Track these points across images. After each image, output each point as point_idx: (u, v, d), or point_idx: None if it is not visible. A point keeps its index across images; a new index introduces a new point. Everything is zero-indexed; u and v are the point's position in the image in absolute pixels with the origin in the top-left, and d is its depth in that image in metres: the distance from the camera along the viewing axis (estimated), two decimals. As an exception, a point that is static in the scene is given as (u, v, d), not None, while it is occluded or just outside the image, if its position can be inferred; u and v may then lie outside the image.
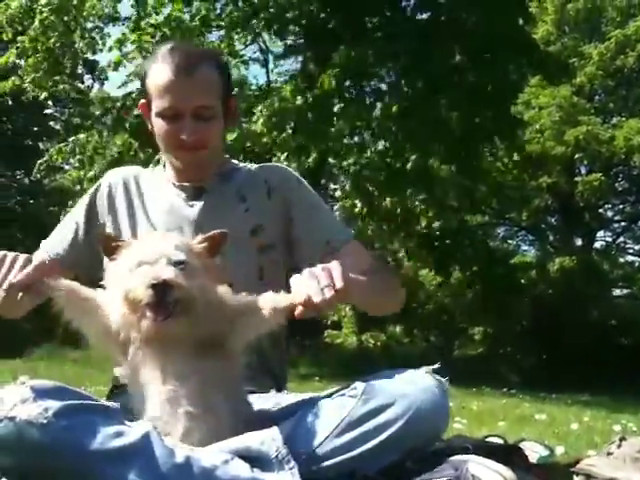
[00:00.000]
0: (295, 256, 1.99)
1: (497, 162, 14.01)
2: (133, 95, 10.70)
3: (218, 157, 2.04)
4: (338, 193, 10.94)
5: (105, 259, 1.70)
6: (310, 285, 1.45)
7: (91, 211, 2.04)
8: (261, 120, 9.89)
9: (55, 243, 2.04)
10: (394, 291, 1.99)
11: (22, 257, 1.60)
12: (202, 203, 1.96)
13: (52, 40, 10.66)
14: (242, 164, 2.12)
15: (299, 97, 10.09)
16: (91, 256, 1.93)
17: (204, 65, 1.87)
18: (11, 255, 1.60)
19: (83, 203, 2.07)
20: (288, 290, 1.52)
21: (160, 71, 1.85)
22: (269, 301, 1.53)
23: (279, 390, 1.95)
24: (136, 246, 1.54)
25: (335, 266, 1.50)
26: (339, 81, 10.39)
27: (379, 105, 11.18)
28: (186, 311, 1.47)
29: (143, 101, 1.98)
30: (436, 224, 13.52)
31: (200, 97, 1.85)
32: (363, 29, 10.97)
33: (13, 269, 1.57)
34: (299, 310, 1.47)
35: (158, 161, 2.19)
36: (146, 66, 1.94)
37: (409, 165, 10.86)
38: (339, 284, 1.46)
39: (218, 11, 11.21)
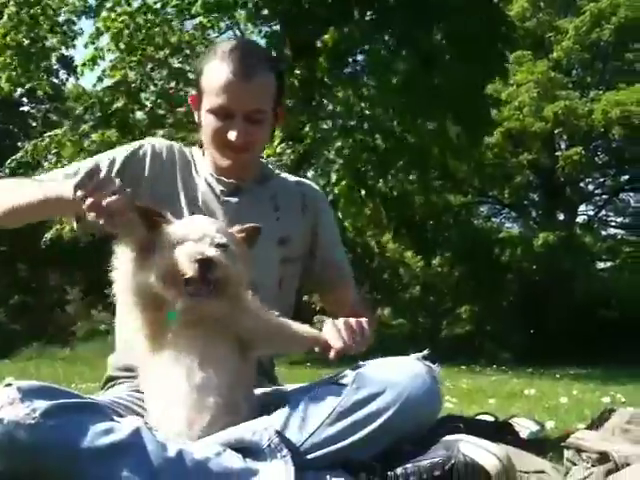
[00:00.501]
0: (307, 272, 2.06)
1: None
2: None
3: (258, 160, 2.06)
4: (333, 177, 10.79)
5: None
6: (346, 335, 1.62)
7: (130, 160, 1.93)
8: None
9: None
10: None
11: (117, 181, 1.49)
12: (237, 200, 1.95)
13: (21, 35, 10.49)
14: (277, 171, 2.16)
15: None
16: None
17: (263, 70, 1.87)
18: (105, 174, 1.52)
19: (122, 150, 1.97)
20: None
21: (218, 70, 1.84)
22: (308, 335, 1.66)
23: (270, 382, 1.95)
24: (180, 224, 1.57)
25: (365, 324, 1.67)
26: (330, 63, 10.38)
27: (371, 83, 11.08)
28: (222, 292, 1.51)
29: (194, 93, 1.97)
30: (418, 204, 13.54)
31: (255, 101, 1.86)
32: (348, 12, 10.92)
33: (106, 188, 1.47)
34: (332, 354, 1.61)
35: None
36: (202, 62, 1.93)
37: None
38: (368, 342, 1.64)
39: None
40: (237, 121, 1.84)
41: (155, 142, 2.01)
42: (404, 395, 1.55)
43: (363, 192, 11.33)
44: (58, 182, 1.74)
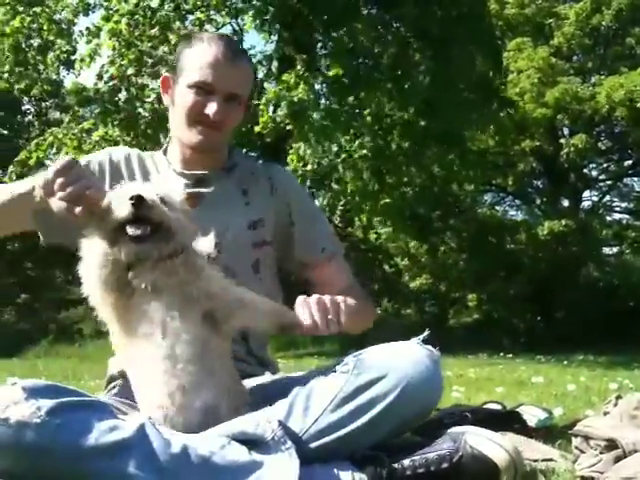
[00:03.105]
0: (289, 256, 2.05)
1: (478, 130, 13.97)
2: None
3: (224, 148, 2.07)
4: (349, 174, 10.80)
5: None
6: (318, 313, 1.60)
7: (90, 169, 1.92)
8: (284, 111, 9.81)
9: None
10: (370, 317, 2.08)
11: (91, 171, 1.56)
12: (204, 191, 1.96)
13: (17, 24, 10.46)
14: (243, 157, 2.17)
15: (301, 85, 9.93)
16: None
17: (245, 59, 1.99)
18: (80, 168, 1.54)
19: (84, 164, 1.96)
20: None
21: (207, 49, 1.90)
22: (276, 311, 1.64)
23: (263, 365, 1.96)
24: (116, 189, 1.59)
25: (342, 304, 1.64)
26: (346, 64, 10.37)
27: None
28: (165, 237, 1.53)
29: (167, 75, 2.02)
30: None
31: (236, 84, 1.93)
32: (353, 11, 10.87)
33: (77, 180, 1.50)
34: (301, 331, 1.60)
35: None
36: (184, 45, 1.99)
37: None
38: (343, 321, 1.61)
39: None
40: (217, 98, 1.89)
41: (113, 151, 2.04)
42: (406, 379, 1.55)
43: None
44: (16, 184, 1.76)
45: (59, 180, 1.50)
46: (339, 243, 2.16)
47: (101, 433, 1.39)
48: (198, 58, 1.90)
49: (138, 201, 1.49)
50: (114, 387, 1.89)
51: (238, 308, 1.60)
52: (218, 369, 1.57)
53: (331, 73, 10.36)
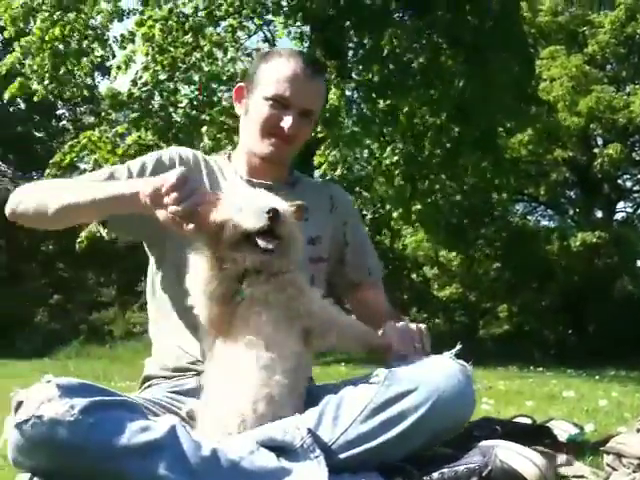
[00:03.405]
0: (339, 273, 2.11)
1: (511, 138, 13.86)
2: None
3: (290, 162, 2.11)
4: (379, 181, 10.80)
5: None
6: (405, 340, 1.71)
7: (160, 165, 1.95)
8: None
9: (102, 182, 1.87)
10: None
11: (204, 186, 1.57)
12: None
13: (57, 32, 10.64)
14: (301, 174, 2.21)
15: (332, 90, 9.95)
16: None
17: (322, 77, 2.04)
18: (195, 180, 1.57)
19: (152, 156, 1.99)
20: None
21: (286, 64, 1.94)
22: (366, 334, 1.72)
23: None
24: (239, 193, 1.63)
25: (425, 332, 1.75)
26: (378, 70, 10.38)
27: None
28: (287, 252, 1.59)
29: (242, 84, 2.05)
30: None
31: (312, 101, 1.98)
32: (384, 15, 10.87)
33: (187, 193, 1.51)
34: (389, 354, 1.69)
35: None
36: (261, 59, 2.02)
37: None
38: (428, 350, 1.71)
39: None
40: (292, 113, 1.92)
41: (180, 150, 2.05)
42: (437, 393, 1.54)
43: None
44: (115, 182, 1.77)
45: (173, 195, 1.50)
46: (380, 265, 2.23)
47: (133, 433, 1.41)
48: (276, 72, 1.93)
49: (275, 215, 1.53)
50: (149, 386, 1.90)
51: (332, 328, 1.65)
52: (301, 383, 1.63)
53: (363, 78, 10.36)
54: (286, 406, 1.55)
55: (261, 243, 1.54)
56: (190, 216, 1.51)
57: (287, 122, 1.91)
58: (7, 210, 1.81)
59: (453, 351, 1.65)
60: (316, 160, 10.14)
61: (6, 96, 11.31)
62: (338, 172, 10.15)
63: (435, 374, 1.57)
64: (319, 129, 9.86)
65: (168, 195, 1.50)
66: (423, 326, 1.73)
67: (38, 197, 1.77)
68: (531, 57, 12.83)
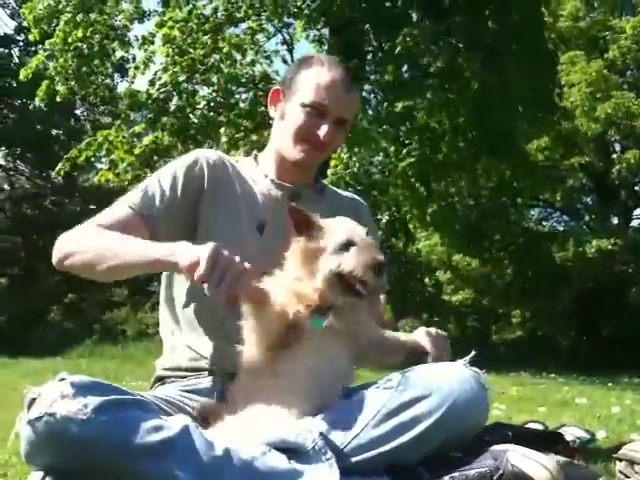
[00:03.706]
0: None
1: (528, 143, 13.77)
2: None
3: (316, 167, 2.13)
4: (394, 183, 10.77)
5: (202, 219, 1.89)
6: (438, 344, 1.85)
7: (191, 173, 1.96)
8: None
9: (146, 201, 1.91)
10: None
11: (236, 263, 1.53)
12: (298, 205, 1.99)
13: (80, 34, 10.73)
14: (328, 185, 2.24)
15: None
16: (186, 215, 1.92)
17: (356, 88, 2.08)
18: (227, 257, 1.53)
19: (183, 167, 1.98)
20: None
21: (326, 72, 1.97)
22: (406, 345, 1.85)
23: None
24: (336, 228, 1.66)
25: (446, 338, 1.89)
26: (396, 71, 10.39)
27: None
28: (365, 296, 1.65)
29: (278, 88, 2.07)
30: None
31: (347, 110, 2.01)
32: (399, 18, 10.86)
33: (230, 277, 1.51)
34: (426, 359, 1.80)
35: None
36: (300, 64, 2.05)
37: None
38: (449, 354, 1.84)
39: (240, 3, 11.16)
40: (328, 121, 1.95)
41: (208, 155, 2.04)
42: (450, 399, 1.55)
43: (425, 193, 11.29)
44: (155, 244, 1.74)
45: (215, 275, 1.50)
46: (386, 283, 2.20)
47: (146, 432, 1.42)
48: (316, 79, 1.95)
49: (381, 268, 1.59)
50: (162, 384, 1.92)
51: (384, 346, 1.81)
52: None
53: (383, 79, 10.35)
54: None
55: (360, 289, 1.60)
56: (233, 290, 1.52)
57: (323, 130, 1.94)
58: (54, 260, 1.84)
59: (467, 358, 1.65)
60: (332, 162, 10.14)
61: (37, 101, 11.47)
62: (349, 170, 10.10)
63: (449, 380, 1.58)
64: None
65: (207, 272, 1.50)
66: (444, 333, 1.86)
67: (84, 256, 1.79)
68: (554, 62, 12.72)
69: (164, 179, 1.94)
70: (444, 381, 1.57)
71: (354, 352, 1.68)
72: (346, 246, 1.60)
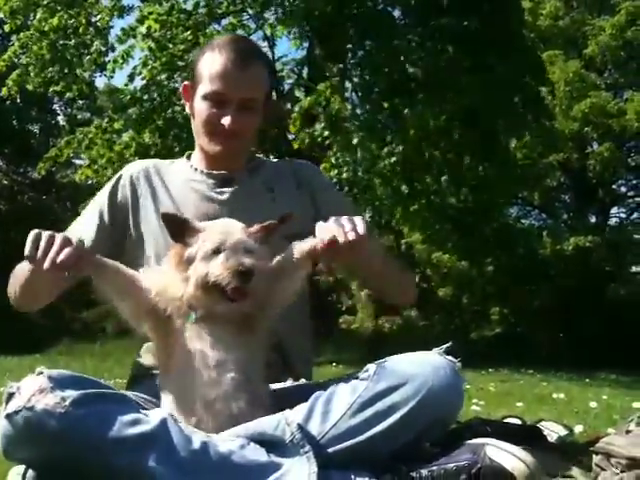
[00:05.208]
0: None
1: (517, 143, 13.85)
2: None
3: (248, 150, 2.10)
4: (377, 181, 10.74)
5: (129, 245, 1.89)
6: (334, 229, 1.58)
7: (114, 199, 2.03)
8: (322, 124, 9.84)
9: (80, 229, 1.99)
10: (407, 276, 2.10)
11: (59, 236, 1.53)
12: (231, 190, 2.00)
13: (55, 22, 10.59)
14: (266, 159, 2.20)
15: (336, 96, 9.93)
16: (113, 243, 1.98)
17: (257, 61, 1.96)
18: (46, 233, 1.53)
19: (105, 192, 2.06)
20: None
21: (217, 58, 1.91)
22: (296, 249, 1.66)
23: (293, 377, 1.95)
24: (211, 231, 1.61)
25: (358, 218, 1.63)
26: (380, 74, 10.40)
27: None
28: (253, 293, 1.58)
29: (187, 83, 2.04)
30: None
31: (249, 90, 1.93)
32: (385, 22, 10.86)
33: (53, 248, 1.50)
34: (323, 251, 1.60)
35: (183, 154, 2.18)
36: (199, 53, 2.01)
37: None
38: (361, 231, 1.58)
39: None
40: (231, 108, 1.90)
41: (131, 169, 2.07)
42: (425, 387, 1.55)
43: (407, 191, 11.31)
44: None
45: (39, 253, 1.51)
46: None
47: (123, 426, 1.42)
48: (209, 68, 1.92)
49: (246, 274, 1.53)
50: (138, 384, 1.91)
51: (280, 278, 1.66)
52: (256, 376, 1.62)
53: (365, 81, 10.35)
54: (241, 399, 1.55)
55: (229, 297, 1.55)
56: (58, 269, 1.51)
57: (227, 120, 1.90)
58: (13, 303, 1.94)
59: (443, 347, 1.66)
60: (322, 165, 10.11)
61: (4, 92, 11.27)
62: (345, 175, 10.05)
63: (423, 369, 1.58)
64: (326, 134, 9.82)
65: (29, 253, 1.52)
66: (358, 218, 1.63)
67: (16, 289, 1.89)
68: (539, 61, 12.76)
69: (92, 209, 2.02)
70: (419, 369, 1.58)
71: (258, 333, 1.64)
72: (215, 252, 1.56)
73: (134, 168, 2.09)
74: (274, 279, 1.64)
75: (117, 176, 2.09)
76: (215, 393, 1.54)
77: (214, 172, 2.02)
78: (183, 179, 2.04)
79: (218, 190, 2.00)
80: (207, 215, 1.86)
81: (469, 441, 1.60)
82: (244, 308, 1.58)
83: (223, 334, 1.59)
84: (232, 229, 1.62)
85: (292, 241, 1.91)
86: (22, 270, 1.82)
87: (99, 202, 2.05)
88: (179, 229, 1.61)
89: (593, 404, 4.28)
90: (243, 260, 1.54)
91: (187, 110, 2.06)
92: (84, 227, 2.00)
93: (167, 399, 1.62)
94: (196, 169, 2.05)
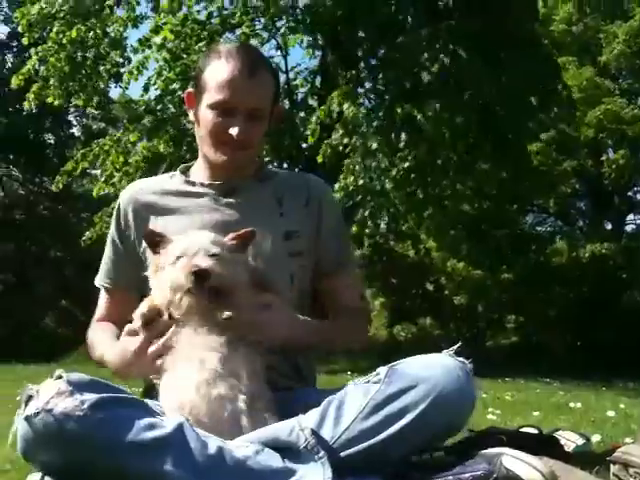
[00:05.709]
0: (314, 265, 2.04)
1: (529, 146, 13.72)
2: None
3: (254, 159, 2.07)
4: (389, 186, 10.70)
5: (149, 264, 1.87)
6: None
7: (120, 227, 2.03)
8: (340, 132, 9.86)
9: (108, 270, 2.09)
10: (355, 337, 2.08)
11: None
12: (233, 200, 1.97)
13: (74, 34, 10.65)
14: (280, 170, 2.20)
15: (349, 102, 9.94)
16: (132, 261, 1.98)
17: (264, 69, 1.93)
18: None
19: (113, 221, 2.09)
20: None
21: (223, 67, 1.88)
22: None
23: (301, 383, 1.95)
24: (177, 241, 1.69)
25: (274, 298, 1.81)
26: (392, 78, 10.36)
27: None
28: (223, 296, 1.63)
29: (190, 90, 2.02)
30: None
31: (257, 99, 1.90)
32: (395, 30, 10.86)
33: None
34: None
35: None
36: (204, 61, 1.97)
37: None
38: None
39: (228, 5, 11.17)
40: (238, 117, 1.87)
41: (124, 196, 2.06)
42: (437, 389, 1.56)
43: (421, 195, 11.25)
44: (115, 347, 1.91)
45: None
46: (353, 257, 2.19)
47: (140, 430, 1.43)
48: (215, 76, 1.88)
49: (200, 274, 1.61)
50: (153, 393, 1.91)
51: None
52: (252, 381, 1.63)
53: (379, 87, 10.33)
54: (238, 401, 1.57)
55: (190, 300, 1.63)
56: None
57: (234, 130, 1.86)
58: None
59: (453, 348, 1.66)
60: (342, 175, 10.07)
61: (26, 105, 11.37)
62: (361, 182, 10.00)
63: (435, 371, 1.59)
64: (346, 141, 9.83)
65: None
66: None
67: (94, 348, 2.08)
68: (552, 60, 12.66)
69: (107, 243, 2.07)
70: (430, 371, 1.59)
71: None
72: (178, 259, 1.64)
73: (126, 194, 2.06)
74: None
75: (116, 208, 2.07)
76: (212, 394, 1.56)
77: (215, 182, 1.99)
78: (183, 193, 2.00)
79: (219, 200, 1.97)
80: (207, 226, 1.86)
81: (485, 450, 1.59)
82: (213, 313, 1.65)
83: (219, 337, 1.63)
84: (199, 238, 1.69)
85: (296, 259, 1.95)
86: (99, 350, 2.04)
87: (111, 234, 2.08)
88: (157, 243, 1.71)
89: (611, 413, 4.23)
90: (198, 262, 1.60)
91: (190, 118, 2.03)
92: (110, 268, 2.08)
93: (164, 400, 1.64)
94: (194, 183, 2.01)
